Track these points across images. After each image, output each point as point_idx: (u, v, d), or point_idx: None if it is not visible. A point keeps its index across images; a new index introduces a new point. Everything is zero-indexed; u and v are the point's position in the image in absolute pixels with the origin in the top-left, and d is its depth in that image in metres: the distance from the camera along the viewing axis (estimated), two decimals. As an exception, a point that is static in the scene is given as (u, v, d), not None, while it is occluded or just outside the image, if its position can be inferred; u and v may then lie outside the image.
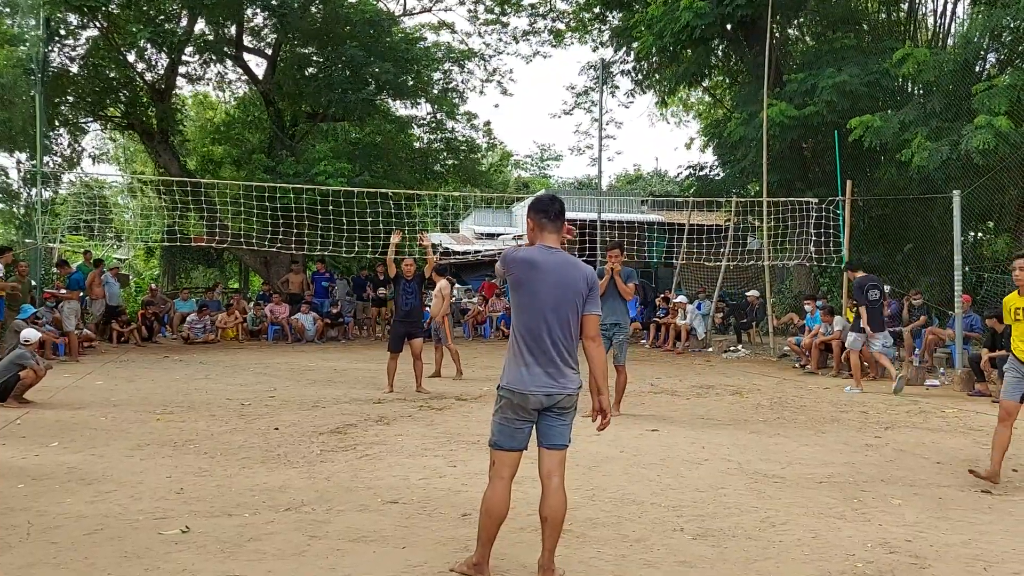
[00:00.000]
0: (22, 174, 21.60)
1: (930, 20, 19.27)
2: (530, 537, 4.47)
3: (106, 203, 24.86)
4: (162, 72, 21.51)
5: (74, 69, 20.00)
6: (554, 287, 3.80)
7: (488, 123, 26.21)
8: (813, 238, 15.60)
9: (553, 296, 3.80)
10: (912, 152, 13.25)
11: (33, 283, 14.07)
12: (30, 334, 9.27)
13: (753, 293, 17.34)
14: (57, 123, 20.56)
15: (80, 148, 23.14)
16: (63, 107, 20.34)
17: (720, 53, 21.05)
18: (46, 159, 17.81)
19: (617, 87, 30.83)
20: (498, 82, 25.69)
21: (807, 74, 16.31)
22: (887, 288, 13.86)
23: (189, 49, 20.78)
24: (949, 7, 18.24)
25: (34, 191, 17.15)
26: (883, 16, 19.68)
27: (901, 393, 10.53)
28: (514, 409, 3.82)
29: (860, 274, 11.46)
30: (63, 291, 14.12)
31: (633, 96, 29.00)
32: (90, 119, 22.00)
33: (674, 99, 26.50)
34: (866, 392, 10.81)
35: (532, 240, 3.98)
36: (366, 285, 19.33)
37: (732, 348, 16.32)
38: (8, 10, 18.37)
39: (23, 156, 20.27)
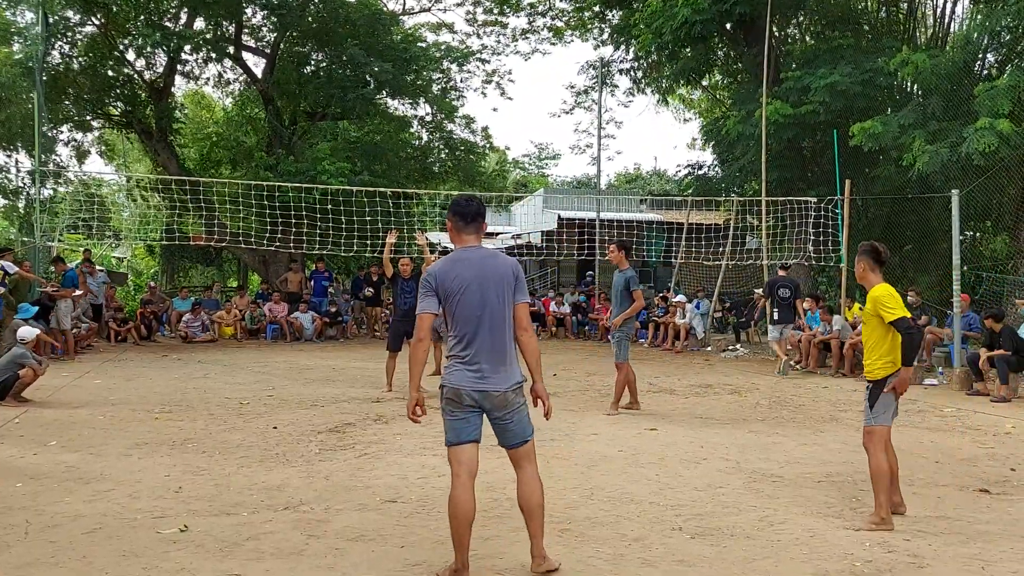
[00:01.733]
0: (21, 174, 21.59)
1: (929, 19, 19.29)
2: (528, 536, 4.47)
3: (104, 202, 24.82)
4: (160, 70, 21.51)
5: (73, 67, 19.98)
6: (480, 285, 3.84)
7: (486, 128, 26.24)
8: (812, 237, 15.60)
9: (481, 292, 3.83)
10: (914, 156, 13.25)
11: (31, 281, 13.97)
12: (26, 332, 9.23)
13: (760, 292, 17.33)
14: (57, 121, 20.54)
15: (83, 148, 23.17)
16: (63, 105, 20.32)
17: (719, 52, 21.05)
18: (45, 157, 17.77)
19: (616, 86, 30.85)
20: (496, 83, 25.71)
21: (802, 73, 16.32)
22: None
23: (188, 47, 20.77)
24: (948, 6, 18.28)
25: (33, 190, 17.12)
26: (882, 15, 19.69)
27: (784, 376, 12.28)
28: (451, 403, 3.88)
29: (780, 274, 13.49)
30: (55, 289, 13.93)
31: (632, 95, 29.04)
32: (89, 117, 21.97)
33: (675, 95, 26.48)
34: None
35: (453, 243, 4.04)
36: (362, 285, 19.35)
37: (731, 347, 16.31)
38: (6, 3, 18.35)
39: (23, 155, 20.28)
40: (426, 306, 3.85)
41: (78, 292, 14.68)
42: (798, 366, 13.55)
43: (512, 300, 3.91)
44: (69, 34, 19.19)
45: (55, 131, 21.09)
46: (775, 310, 13.03)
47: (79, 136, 22.84)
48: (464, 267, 3.86)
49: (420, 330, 3.87)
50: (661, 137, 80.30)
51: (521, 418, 3.91)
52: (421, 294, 3.88)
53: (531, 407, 4.00)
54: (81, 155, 23.58)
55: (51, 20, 17.69)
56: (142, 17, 18.99)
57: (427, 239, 11.38)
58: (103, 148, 25.10)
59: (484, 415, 3.90)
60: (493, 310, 3.84)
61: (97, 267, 16.47)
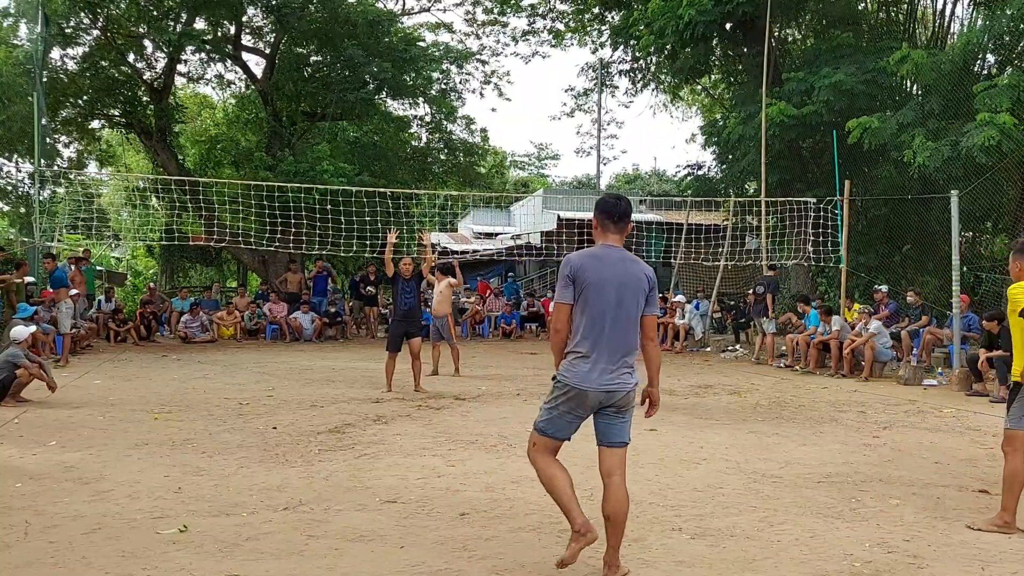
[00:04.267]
0: (20, 174, 21.59)
1: (929, 18, 19.29)
2: (529, 537, 4.48)
3: (103, 202, 24.80)
4: (160, 71, 21.51)
5: (72, 67, 19.98)
6: (617, 285, 3.81)
7: (484, 129, 26.38)
8: (811, 238, 15.61)
9: (616, 293, 3.81)
10: (914, 151, 13.24)
11: (30, 280, 13.87)
12: (18, 332, 9.17)
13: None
14: (58, 121, 20.54)
15: (83, 149, 23.15)
16: (64, 108, 20.33)
17: (719, 52, 21.05)
18: (47, 161, 17.76)
19: (616, 87, 30.96)
20: (495, 84, 25.77)
21: (805, 73, 16.31)
22: (885, 287, 13.97)
23: (190, 48, 20.77)
24: (948, 7, 18.28)
25: (32, 191, 17.10)
26: (882, 16, 19.69)
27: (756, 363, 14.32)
28: (570, 404, 3.83)
29: (768, 274, 15.41)
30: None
31: (632, 96, 29.11)
32: (88, 117, 21.96)
33: (681, 95, 26.44)
34: (863, 392, 10.85)
35: (596, 239, 4.02)
36: (358, 285, 19.38)
37: (730, 348, 16.31)
38: (7, 3, 18.38)
39: (22, 156, 20.26)
40: (564, 296, 3.83)
41: (74, 292, 14.61)
42: (787, 366, 13.61)
43: (643, 306, 3.88)
44: (69, 32, 19.16)
45: (55, 132, 21.09)
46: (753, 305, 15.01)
47: (78, 137, 22.83)
48: (604, 265, 3.84)
49: (558, 320, 3.85)
50: (660, 138, 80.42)
51: (629, 419, 3.94)
52: (559, 284, 3.87)
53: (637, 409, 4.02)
54: (80, 156, 23.58)
55: (50, 22, 17.68)
56: (146, 18, 19.01)
57: (430, 239, 11.39)
58: (102, 150, 25.06)
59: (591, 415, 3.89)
60: (624, 312, 3.81)
61: (60, 263, 15.74)
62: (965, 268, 13.35)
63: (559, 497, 3.83)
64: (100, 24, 19.77)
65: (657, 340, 4.03)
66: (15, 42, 18.54)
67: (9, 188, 23.11)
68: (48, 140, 19.25)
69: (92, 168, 25.39)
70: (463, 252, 25.56)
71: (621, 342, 3.82)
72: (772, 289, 14.89)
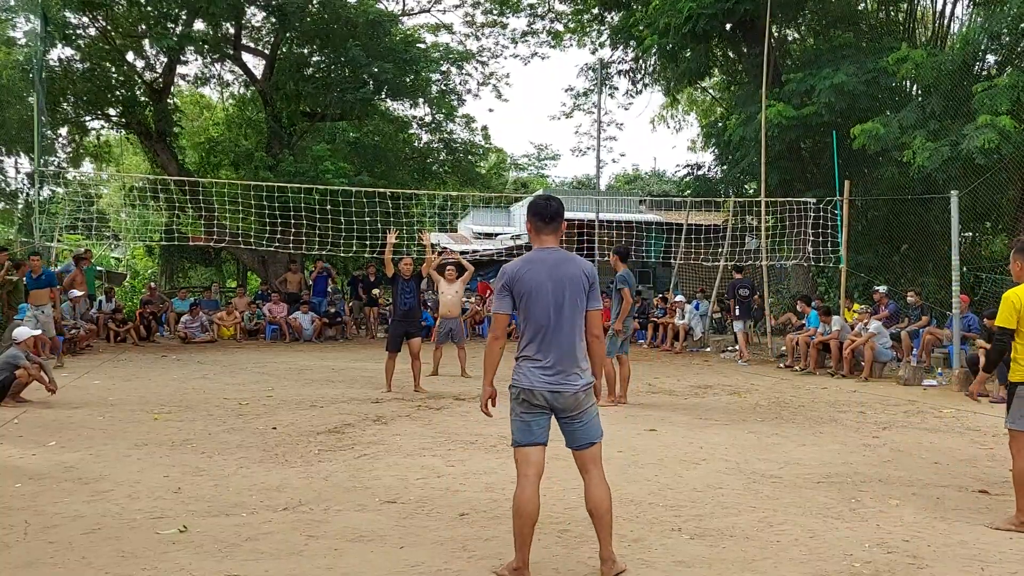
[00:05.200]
0: (20, 174, 21.60)
1: (929, 19, 19.31)
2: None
3: (102, 202, 24.79)
4: (160, 71, 21.50)
5: (73, 68, 19.97)
6: (555, 286, 3.84)
7: (485, 127, 26.40)
8: (811, 238, 15.61)
9: (555, 295, 3.83)
10: (914, 152, 13.25)
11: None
12: (19, 332, 9.18)
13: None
14: (56, 123, 20.54)
15: (81, 150, 23.16)
16: (63, 106, 20.32)
17: (719, 52, 21.05)
18: (45, 160, 17.73)
19: (616, 88, 30.95)
20: (494, 86, 25.79)
21: (805, 74, 16.30)
22: (883, 288, 13.97)
23: (190, 48, 20.76)
24: (948, 7, 18.29)
25: (32, 191, 17.11)
26: (882, 16, 19.71)
27: (746, 366, 14.12)
28: (521, 404, 3.84)
29: (737, 276, 15.41)
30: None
31: (632, 96, 29.09)
32: (88, 118, 21.97)
33: (683, 94, 26.37)
34: (862, 392, 10.86)
35: (532, 243, 4.04)
36: (359, 286, 19.37)
37: (730, 348, 16.30)
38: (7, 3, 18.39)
39: (22, 156, 20.29)
40: (501, 306, 3.89)
41: (78, 293, 14.62)
42: (788, 366, 13.61)
43: (585, 304, 3.91)
44: (69, 32, 19.15)
45: (54, 133, 21.09)
46: (737, 307, 14.92)
47: (78, 138, 22.84)
48: (539, 268, 3.87)
49: (495, 329, 3.92)
50: (660, 138, 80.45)
51: (590, 419, 3.91)
52: (496, 294, 3.92)
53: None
54: (79, 156, 23.58)
55: (50, 22, 17.68)
56: (147, 20, 19.03)
57: (430, 239, 11.37)
58: (97, 146, 25.05)
59: (552, 417, 3.90)
60: (566, 313, 3.84)
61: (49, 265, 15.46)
62: (965, 268, 13.36)
63: (518, 529, 3.83)
64: (99, 24, 19.75)
65: (603, 337, 4.06)
66: (13, 35, 18.55)
67: (7, 188, 23.11)
68: (46, 135, 19.21)
69: (88, 167, 25.39)
70: (463, 252, 25.59)
71: (567, 344, 3.84)
72: (757, 289, 15.11)
